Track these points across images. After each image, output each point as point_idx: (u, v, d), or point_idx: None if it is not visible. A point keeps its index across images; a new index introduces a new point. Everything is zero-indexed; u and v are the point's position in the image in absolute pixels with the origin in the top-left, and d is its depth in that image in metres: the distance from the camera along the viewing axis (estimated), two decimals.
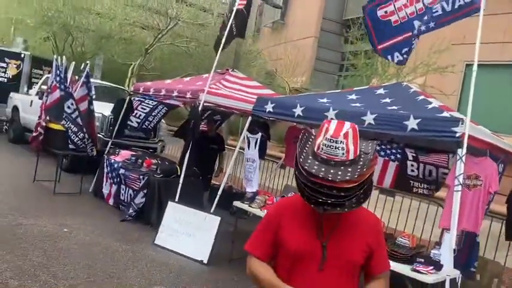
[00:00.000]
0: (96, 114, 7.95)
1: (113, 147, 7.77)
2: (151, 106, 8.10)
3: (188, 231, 5.42)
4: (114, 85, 12.24)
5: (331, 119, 3.89)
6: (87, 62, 8.07)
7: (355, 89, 5.14)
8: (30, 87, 12.46)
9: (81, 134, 7.26)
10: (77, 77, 7.79)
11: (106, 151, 7.67)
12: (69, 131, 7.21)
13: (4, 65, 12.89)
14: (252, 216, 5.46)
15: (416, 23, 4.37)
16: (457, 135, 3.51)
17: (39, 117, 7.71)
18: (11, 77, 13.01)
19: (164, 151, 10.67)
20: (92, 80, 8.29)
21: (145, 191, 6.37)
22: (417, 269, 3.62)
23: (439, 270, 3.61)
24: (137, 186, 6.48)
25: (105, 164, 7.31)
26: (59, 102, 7.27)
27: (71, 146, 7.30)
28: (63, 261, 4.52)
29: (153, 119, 8.35)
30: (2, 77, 12.92)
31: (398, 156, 5.57)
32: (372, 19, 4.77)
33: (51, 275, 4.12)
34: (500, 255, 5.52)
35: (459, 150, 3.54)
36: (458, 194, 3.53)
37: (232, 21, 6.17)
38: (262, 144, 6.06)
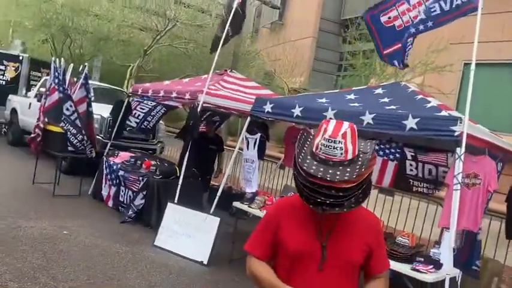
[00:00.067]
0: (95, 116, 7.94)
1: (112, 148, 7.76)
2: (150, 106, 8.10)
3: (188, 232, 5.42)
4: (112, 87, 12.23)
5: (330, 119, 3.89)
6: (86, 63, 8.06)
7: (353, 88, 5.15)
8: (28, 89, 12.45)
9: (80, 136, 7.25)
10: (75, 79, 7.77)
11: (105, 153, 7.67)
12: (68, 133, 7.20)
13: (2, 67, 12.87)
14: (252, 216, 5.46)
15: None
16: (456, 134, 3.52)
17: (38, 119, 7.70)
18: (9, 79, 12.99)
19: (163, 152, 10.66)
20: (90, 81, 8.28)
21: (144, 193, 6.37)
22: (417, 268, 3.63)
23: (439, 269, 3.61)
24: (136, 187, 6.48)
25: (104, 165, 7.30)
26: (57, 104, 7.27)
27: (70, 148, 7.29)
28: (63, 263, 4.51)
29: (152, 119, 8.35)
30: (0, 79, 12.91)
31: (397, 155, 5.57)
32: (376, 26, 4.77)
33: (50, 277, 4.12)
34: (499, 253, 5.52)
35: (458, 149, 3.54)
36: (458, 192, 3.54)
37: (230, 21, 6.17)
38: (261, 145, 6.06)
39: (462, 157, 3.53)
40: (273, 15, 21.89)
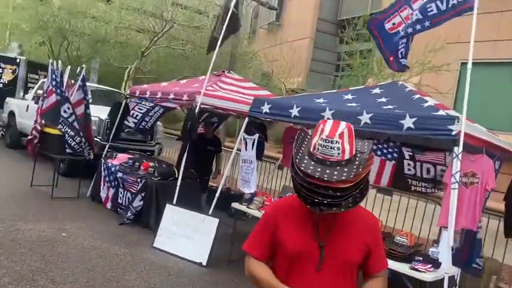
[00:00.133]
0: (92, 118, 7.93)
1: (110, 150, 7.76)
2: (148, 107, 8.09)
3: (187, 234, 5.42)
4: (110, 88, 12.23)
5: (328, 119, 3.90)
6: (83, 65, 8.05)
7: (351, 88, 5.16)
8: (26, 92, 12.43)
9: (78, 138, 7.24)
10: (73, 81, 7.77)
11: (103, 155, 7.66)
12: (66, 135, 7.19)
13: (0, 70, 12.85)
14: (251, 217, 5.47)
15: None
16: (453, 133, 3.53)
17: (35, 121, 7.69)
18: (6, 82, 12.96)
19: (161, 154, 10.66)
20: (88, 83, 8.27)
21: (143, 194, 6.37)
22: (416, 267, 3.64)
23: (438, 268, 3.62)
24: (135, 189, 6.48)
25: (102, 167, 7.30)
26: (55, 106, 7.25)
27: (68, 150, 7.28)
28: (62, 265, 4.51)
29: (150, 119, 8.35)
30: None
31: (395, 155, 5.57)
32: (381, 33, 4.77)
33: (49, 280, 4.12)
34: (498, 252, 5.54)
35: (455, 148, 3.55)
36: (455, 191, 3.55)
37: (227, 22, 6.19)
38: (259, 145, 6.07)
39: (460, 156, 3.54)
40: (270, 16, 21.92)
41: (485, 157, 4.02)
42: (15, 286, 3.88)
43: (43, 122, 7.46)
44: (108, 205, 7.01)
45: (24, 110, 11.01)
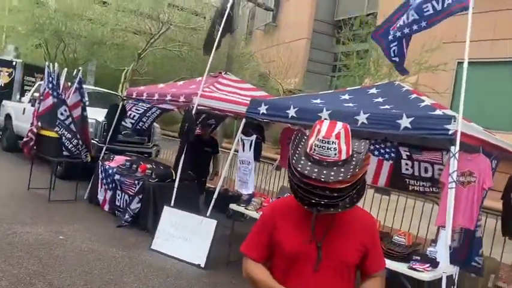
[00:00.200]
0: (89, 120, 7.92)
1: (107, 152, 7.74)
2: (145, 108, 8.09)
3: (185, 236, 5.41)
4: (107, 91, 12.21)
5: (325, 119, 3.90)
6: (80, 68, 8.03)
7: (348, 89, 5.16)
8: (22, 94, 12.40)
9: (75, 141, 7.23)
10: (69, 84, 7.75)
11: (100, 157, 7.65)
12: (63, 137, 7.17)
13: None
14: (249, 218, 5.46)
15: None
16: (450, 132, 3.53)
17: (31, 123, 7.67)
18: (3, 85, 12.94)
19: (159, 155, 10.64)
20: (84, 86, 8.26)
21: (140, 196, 6.36)
22: (414, 266, 3.64)
23: (436, 267, 3.63)
24: (133, 191, 6.47)
25: (99, 170, 7.28)
26: (52, 109, 7.24)
27: (65, 153, 7.26)
28: (59, 268, 4.49)
29: (147, 119, 8.34)
30: None
31: (392, 155, 5.58)
32: (387, 43, 4.77)
33: (47, 283, 4.10)
34: (496, 251, 5.55)
35: (452, 148, 3.55)
36: (453, 191, 3.55)
37: (223, 25, 6.19)
38: (256, 146, 6.06)
39: (457, 155, 3.55)
40: (267, 17, 21.95)
41: (482, 156, 4.03)
42: None
43: (39, 124, 7.44)
44: (106, 207, 7.00)
45: (21, 113, 10.98)
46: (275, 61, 17.31)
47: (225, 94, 6.48)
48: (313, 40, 19.95)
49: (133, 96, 7.43)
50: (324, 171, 1.65)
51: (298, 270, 1.80)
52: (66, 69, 8.07)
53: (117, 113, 7.65)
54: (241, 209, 5.33)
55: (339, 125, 1.72)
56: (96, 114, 8.72)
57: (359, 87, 5.78)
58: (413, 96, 4.33)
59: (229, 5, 6.31)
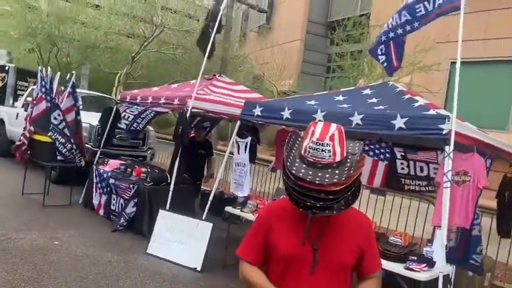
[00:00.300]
0: (83, 125, 7.88)
1: (102, 157, 7.70)
2: (139, 109, 8.06)
3: (180, 239, 5.38)
4: (101, 94, 12.16)
5: (319, 120, 3.90)
6: (73, 72, 7.99)
7: (342, 90, 5.17)
8: (15, 99, 12.29)
9: (69, 145, 7.19)
10: (62, 88, 7.71)
11: (95, 161, 7.61)
12: (57, 142, 7.13)
13: None
14: (245, 221, 5.45)
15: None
16: (444, 132, 3.54)
17: (24, 128, 7.62)
18: None
19: (154, 159, 10.61)
20: (78, 90, 8.22)
21: (135, 200, 6.33)
22: (410, 267, 3.64)
23: (432, 267, 3.63)
24: (128, 195, 6.43)
25: (94, 174, 7.24)
26: (45, 113, 7.19)
27: (59, 158, 7.22)
28: (54, 274, 4.46)
29: (142, 121, 8.30)
30: None
31: (387, 155, 5.59)
32: (387, 49, 4.78)
33: None
34: (492, 250, 5.56)
35: (446, 147, 3.56)
36: (448, 190, 3.56)
37: (215, 30, 6.20)
38: (252, 148, 6.06)
39: (451, 155, 3.56)
40: (260, 19, 21.96)
41: (476, 155, 4.04)
42: None
43: (32, 128, 7.39)
44: (101, 212, 6.96)
45: (14, 118, 10.91)
46: (269, 63, 17.32)
47: (219, 96, 6.47)
48: (307, 41, 19.98)
49: (127, 100, 7.41)
50: (319, 174, 1.65)
51: (295, 273, 1.79)
52: (59, 73, 8.02)
53: (111, 117, 7.61)
54: (237, 211, 5.32)
55: (333, 126, 1.72)
56: (90, 118, 8.68)
57: (353, 88, 5.79)
58: (407, 96, 4.34)
59: (222, 7, 6.30)
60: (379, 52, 4.76)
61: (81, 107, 7.86)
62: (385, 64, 4.80)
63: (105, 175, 6.96)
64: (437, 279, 3.50)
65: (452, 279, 3.85)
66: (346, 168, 1.68)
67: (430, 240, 4.28)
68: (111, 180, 6.78)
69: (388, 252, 3.86)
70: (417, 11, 4.22)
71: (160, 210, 5.69)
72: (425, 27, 4.41)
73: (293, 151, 1.78)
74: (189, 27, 16.88)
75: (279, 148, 6.47)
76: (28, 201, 7.18)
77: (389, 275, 3.62)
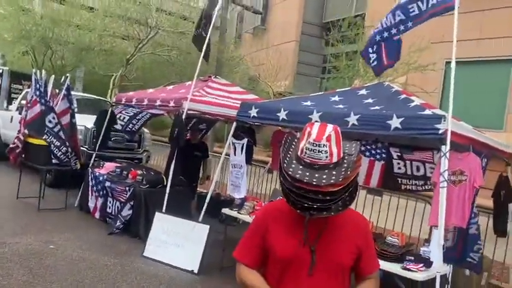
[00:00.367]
0: (78, 127, 7.84)
1: (97, 159, 7.67)
2: (135, 111, 8.04)
3: (177, 242, 5.36)
4: (96, 97, 12.11)
5: (315, 121, 3.90)
6: (68, 74, 7.95)
7: (337, 90, 5.17)
8: (10, 102, 12.23)
9: (64, 148, 7.15)
10: (57, 91, 7.67)
11: (90, 164, 7.57)
12: (52, 145, 7.08)
13: None
14: (242, 223, 5.43)
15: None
16: (440, 132, 3.54)
17: (18, 131, 7.58)
18: None
19: (149, 161, 10.57)
20: (73, 92, 8.19)
21: (131, 203, 6.30)
22: (407, 267, 3.64)
23: (429, 267, 3.63)
24: (124, 198, 6.40)
25: (89, 177, 7.21)
26: (40, 116, 7.15)
27: (54, 161, 7.17)
28: (50, 278, 4.42)
29: (137, 122, 8.29)
30: None
31: (384, 155, 5.60)
32: (378, 48, 4.78)
33: None
34: (488, 249, 5.57)
35: (443, 147, 3.56)
36: (444, 190, 3.56)
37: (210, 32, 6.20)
38: (248, 150, 6.04)
39: (447, 155, 3.56)
40: (255, 21, 21.96)
41: (472, 155, 4.05)
42: None
43: (26, 131, 7.34)
44: (97, 215, 6.92)
45: (9, 121, 10.85)
46: (265, 64, 17.32)
47: (215, 98, 6.46)
48: (302, 42, 20.00)
49: (123, 102, 7.38)
50: (316, 175, 1.64)
51: (293, 275, 1.78)
52: (53, 76, 7.99)
53: (106, 120, 7.59)
54: (233, 213, 5.30)
55: (329, 127, 1.71)
56: (85, 121, 8.65)
57: (349, 88, 5.79)
58: (403, 96, 4.34)
59: (217, 9, 6.29)
60: (370, 50, 4.77)
61: (76, 109, 7.83)
62: (375, 63, 4.79)
63: (100, 178, 6.93)
64: (434, 279, 3.50)
65: (449, 279, 3.86)
66: (343, 169, 1.67)
67: (427, 240, 4.28)
68: (107, 183, 6.74)
69: (386, 252, 3.85)
70: (411, 10, 4.22)
71: (156, 213, 5.66)
72: (420, 27, 4.42)
73: (290, 152, 1.77)
74: (184, 28, 16.85)
75: (276, 149, 6.46)
76: (23, 205, 7.13)
77: (386, 275, 3.61)
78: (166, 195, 5.77)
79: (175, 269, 5.15)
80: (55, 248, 5.32)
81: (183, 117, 5.81)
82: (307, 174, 1.64)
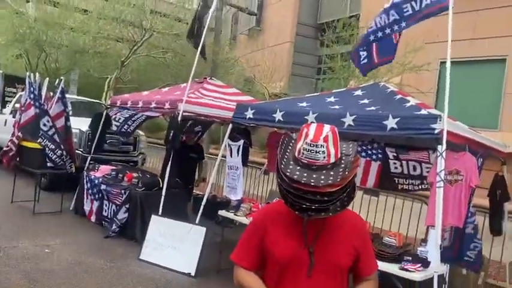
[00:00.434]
0: (73, 130, 7.80)
1: (92, 162, 7.63)
2: (130, 113, 8.01)
3: (173, 244, 5.33)
4: (90, 100, 12.06)
5: (312, 122, 3.89)
6: (62, 77, 7.91)
7: (333, 91, 5.17)
8: (3, 106, 12.16)
9: (59, 151, 7.11)
10: (51, 94, 7.63)
11: (85, 167, 7.53)
12: (46, 148, 7.04)
13: None
14: (238, 224, 5.42)
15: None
16: (436, 131, 3.55)
17: (12, 134, 7.53)
18: None
19: (145, 164, 10.54)
20: (67, 95, 8.14)
21: (127, 206, 6.26)
22: (405, 267, 3.64)
23: (427, 267, 3.64)
24: (120, 201, 6.37)
25: (85, 180, 7.17)
26: (34, 120, 7.10)
27: (49, 164, 7.13)
28: (47, 282, 4.39)
29: (133, 123, 8.25)
30: None
31: (380, 156, 5.60)
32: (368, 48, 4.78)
33: None
34: (485, 248, 5.57)
35: (439, 147, 3.57)
36: (441, 190, 3.56)
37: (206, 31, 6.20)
38: (244, 151, 6.03)
39: (444, 154, 3.56)
40: (250, 22, 21.97)
41: (468, 154, 4.06)
42: None
43: (20, 134, 7.30)
44: (93, 218, 6.88)
45: (3, 125, 10.78)
46: (260, 65, 17.32)
47: (210, 100, 6.45)
48: (297, 43, 20.03)
49: (118, 105, 7.35)
50: (314, 176, 1.63)
51: (291, 277, 1.77)
52: (47, 79, 7.94)
53: (102, 122, 7.55)
54: (230, 215, 5.29)
55: (327, 127, 1.70)
56: (80, 124, 8.61)
57: (344, 89, 5.79)
58: (399, 96, 4.34)
59: (211, 10, 6.29)
60: (361, 49, 4.77)
61: (70, 112, 7.79)
62: (365, 61, 4.79)
63: (96, 181, 6.89)
64: (432, 279, 3.50)
65: (446, 279, 3.86)
66: (341, 169, 1.66)
67: (424, 240, 4.28)
68: (103, 186, 6.71)
69: (383, 252, 3.85)
70: (404, 10, 4.23)
71: (152, 216, 5.63)
72: (414, 28, 4.42)
73: (287, 153, 1.76)
74: (178, 30, 16.79)
75: (272, 150, 6.45)
76: (18, 209, 7.08)
77: (384, 275, 3.61)
78: (163, 197, 5.74)
79: (172, 271, 5.12)
80: (51, 252, 5.28)
81: (179, 119, 5.79)
82: (305, 175, 1.64)
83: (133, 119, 8.17)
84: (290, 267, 1.77)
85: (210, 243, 5.29)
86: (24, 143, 7.33)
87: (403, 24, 4.30)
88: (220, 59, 15.10)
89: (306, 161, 1.66)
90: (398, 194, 6.28)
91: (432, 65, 10.51)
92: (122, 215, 6.27)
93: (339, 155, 1.70)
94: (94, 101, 12.21)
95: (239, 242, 1.93)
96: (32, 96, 7.15)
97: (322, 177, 1.63)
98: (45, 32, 16.30)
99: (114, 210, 6.45)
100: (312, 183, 1.61)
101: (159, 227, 5.51)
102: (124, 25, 16.88)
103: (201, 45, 6.18)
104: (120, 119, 8.08)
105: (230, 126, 5.48)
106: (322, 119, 4.01)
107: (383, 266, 3.62)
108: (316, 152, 1.65)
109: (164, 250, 5.34)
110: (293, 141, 1.79)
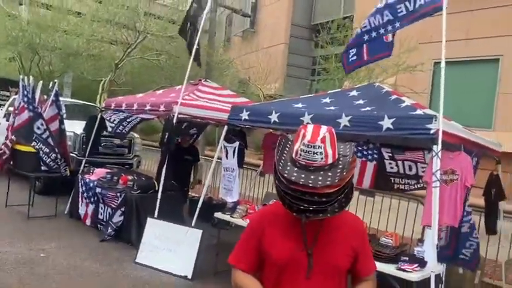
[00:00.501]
0: (67, 133, 7.75)
1: (87, 165, 7.58)
2: (125, 115, 7.97)
3: (170, 247, 5.31)
4: (85, 102, 12.01)
5: (307, 123, 3.89)
6: (56, 80, 7.87)
7: (328, 92, 5.17)
8: None
9: (53, 155, 7.06)
10: (45, 97, 7.58)
11: (80, 170, 7.48)
12: (41, 152, 6.99)
13: None
14: (235, 226, 5.40)
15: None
16: (432, 131, 3.56)
17: (6, 137, 7.47)
18: None
19: (140, 166, 10.50)
20: (61, 98, 8.09)
21: (123, 209, 6.23)
22: (402, 267, 3.64)
23: (424, 267, 3.64)
24: (115, 204, 6.33)
25: (79, 183, 7.13)
26: (28, 123, 7.05)
27: (43, 168, 7.08)
28: (42, 287, 4.35)
29: (128, 124, 8.19)
30: None
31: (375, 156, 5.61)
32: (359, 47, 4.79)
33: None
34: (481, 248, 5.58)
35: (434, 147, 3.58)
36: (437, 190, 3.57)
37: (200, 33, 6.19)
38: (239, 153, 6.02)
39: (439, 154, 3.57)
40: (244, 23, 21.98)
41: (463, 154, 4.07)
42: None
43: (13, 138, 7.24)
44: (88, 222, 6.84)
45: None
46: (255, 67, 17.30)
47: (205, 101, 6.43)
48: (291, 45, 20.06)
49: (112, 107, 7.32)
50: (312, 177, 1.62)
51: (289, 278, 1.76)
52: (41, 82, 7.89)
53: (96, 125, 7.51)
54: (226, 217, 5.27)
55: (324, 128, 1.70)
56: (74, 127, 8.57)
57: (339, 90, 5.80)
58: (394, 97, 4.35)
59: (205, 12, 6.28)
60: (352, 48, 4.78)
61: (65, 115, 7.74)
62: (354, 58, 4.80)
63: (91, 184, 6.85)
64: (429, 278, 3.50)
65: (443, 278, 3.86)
66: (339, 170, 1.66)
67: (420, 240, 4.29)
68: (98, 189, 6.67)
69: (380, 253, 3.85)
70: (398, 11, 4.24)
71: (148, 218, 5.60)
72: (408, 28, 4.43)
73: (284, 154, 1.75)
74: (172, 33, 16.74)
75: (267, 152, 6.44)
76: (12, 213, 7.02)
77: (381, 275, 3.61)
78: (158, 200, 5.71)
79: (168, 274, 5.10)
80: (45, 256, 5.24)
81: (174, 121, 5.77)
82: (303, 176, 1.63)
83: (128, 120, 8.13)
84: (288, 269, 1.76)
85: (207, 245, 5.27)
86: (18, 147, 7.28)
87: (397, 24, 4.30)
88: (214, 61, 15.09)
89: (303, 162, 1.66)
90: (394, 195, 6.29)
91: (426, 66, 10.55)
92: (118, 218, 6.24)
93: (337, 156, 1.69)
94: (88, 103, 12.17)
95: (237, 244, 1.92)
96: (25, 99, 7.10)
97: (320, 178, 1.62)
98: (38, 35, 16.21)
99: (109, 213, 6.41)
100: (310, 185, 1.60)
101: (155, 229, 5.48)
102: (118, 27, 16.83)
103: (194, 50, 6.16)
104: (115, 120, 8.03)
105: (225, 128, 5.47)
106: (318, 120, 4.01)
107: (380, 266, 3.61)
108: (313, 153, 1.64)
109: (160, 253, 5.32)
110: (290, 142, 1.79)
